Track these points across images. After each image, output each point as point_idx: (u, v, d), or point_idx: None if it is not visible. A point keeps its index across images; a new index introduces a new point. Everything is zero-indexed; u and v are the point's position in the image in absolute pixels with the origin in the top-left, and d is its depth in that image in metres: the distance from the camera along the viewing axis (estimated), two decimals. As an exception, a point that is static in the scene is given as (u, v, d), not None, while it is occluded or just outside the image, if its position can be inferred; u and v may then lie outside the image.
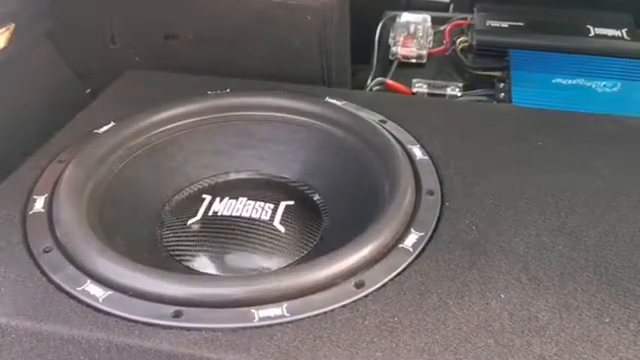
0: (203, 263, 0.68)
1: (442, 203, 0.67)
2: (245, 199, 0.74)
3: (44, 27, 0.96)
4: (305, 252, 0.68)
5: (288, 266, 0.66)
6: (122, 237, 0.66)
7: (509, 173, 0.71)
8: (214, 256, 0.68)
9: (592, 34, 1.07)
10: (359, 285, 0.57)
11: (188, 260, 0.68)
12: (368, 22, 1.15)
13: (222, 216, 0.72)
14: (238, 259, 0.69)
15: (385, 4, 1.23)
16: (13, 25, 0.87)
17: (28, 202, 0.67)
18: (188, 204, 0.75)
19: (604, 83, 0.95)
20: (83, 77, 1.01)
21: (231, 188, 0.76)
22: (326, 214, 0.73)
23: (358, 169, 0.73)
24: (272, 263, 0.67)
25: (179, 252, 0.69)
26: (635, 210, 0.66)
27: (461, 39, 1.12)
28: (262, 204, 0.73)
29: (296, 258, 0.68)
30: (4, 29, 0.86)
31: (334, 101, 0.82)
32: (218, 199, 0.74)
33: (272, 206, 0.73)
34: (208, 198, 0.74)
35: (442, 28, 1.17)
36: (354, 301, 0.56)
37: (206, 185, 0.78)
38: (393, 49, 1.11)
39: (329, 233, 0.70)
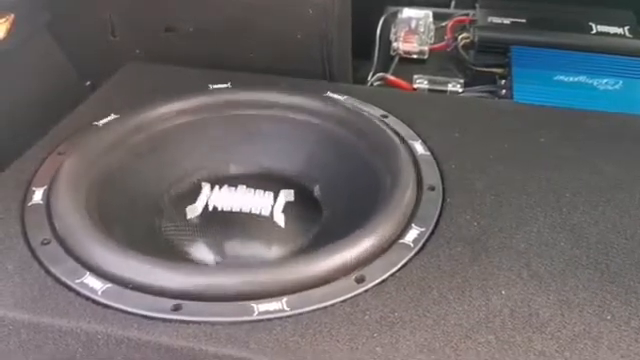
0: (202, 254, 0.67)
1: (443, 199, 0.66)
2: (245, 190, 0.73)
3: (44, 18, 0.96)
4: (304, 245, 0.68)
5: (288, 259, 0.66)
6: (121, 227, 0.65)
7: (510, 169, 0.71)
8: (213, 247, 0.68)
9: (594, 31, 1.07)
10: (359, 280, 0.57)
11: (187, 251, 0.67)
12: (370, 17, 1.15)
13: (222, 207, 0.72)
14: (237, 250, 0.69)
15: (387, -1, 1.23)
16: (12, 16, 0.87)
17: (27, 194, 0.67)
18: (188, 195, 0.74)
19: (606, 80, 0.95)
20: (83, 69, 1.01)
21: (231, 180, 0.76)
22: (326, 206, 0.73)
23: (359, 164, 0.72)
24: (272, 254, 0.67)
25: (178, 242, 0.69)
26: (637, 207, 0.65)
27: (463, 35, 1.12)
28: (262, 195, 0.72)
29: (295, 251, 0.67)
30: (3, 20, 0.85)
31: (335, 96, 0.81)
32: (217, 190, 0.73)
33: (272, 197, 0.72)
34: (208, 189, 0.74)
35: (444, 24, 1.17)
36: (354, 296, 0.55)
37: (206, 177, 0.77)
38: (394, 44, 1.11)
39: (329, 227, 0.70)
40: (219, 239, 0.69)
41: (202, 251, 0.68)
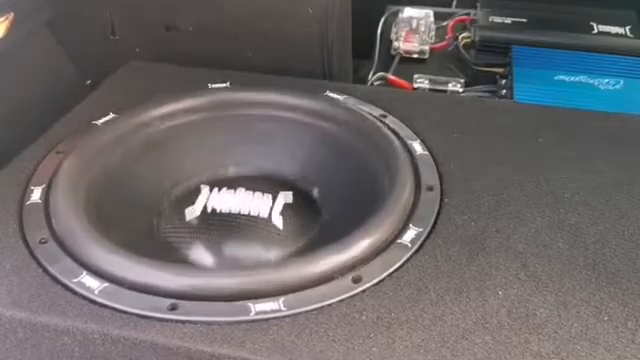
0: (200, 256, 0.67)
1: (441, 199, 0.66)
2: (243, 193, 0.73)
3: (44, 17, 0.96)
4: (303, 246, 0.68)
5: (285, 260, 0.66)
6: (119, 228, 0.65)
7: (509, 169, 0.70)
8: (211, 249, 0.68)
9: (595, 31, 1.06)
10: (356, 280, 0.57)
11: (185, 253, 0.67)
12: (370, 17, 1.15)
13: (220, 209, 0.72)
14: (235, 252, 0.69)
15: (388, -2, 1.22)
16: (12, 14, 0.87)
17: (25, 193, 0.67)
18: (186, 197, 0.74)
19: (607, 80, 0.95)
20: (83, 68, 1.01)
21: (230, 182, 0.76)
22: (325, 208, 0.73)
23: (358, 164, 0.72)
24: (270, 256, 0.67)
25: (176, 244, 0.69)
26: (635, 208, 0.65)
27: (463, 35, 1.12)
28: (260, 198, 0.72)
29: (293, 252, 0.67)
30: (3, 18, 0.85)
31: (335, 95, 0.81)
32: (216, 192, 0.74)
33: (270, 200, 0.72)
34: (206, 191, 0.74)
35: (445, 23, 1.17)
36: (351, 296, 0.55)
37: (204, 179, 0.77)
38: (395, 44, 1.10)
39: (327, 227, 0.70)
40: (217, 242, 0.69)
41: (200, 254, 0.68)
